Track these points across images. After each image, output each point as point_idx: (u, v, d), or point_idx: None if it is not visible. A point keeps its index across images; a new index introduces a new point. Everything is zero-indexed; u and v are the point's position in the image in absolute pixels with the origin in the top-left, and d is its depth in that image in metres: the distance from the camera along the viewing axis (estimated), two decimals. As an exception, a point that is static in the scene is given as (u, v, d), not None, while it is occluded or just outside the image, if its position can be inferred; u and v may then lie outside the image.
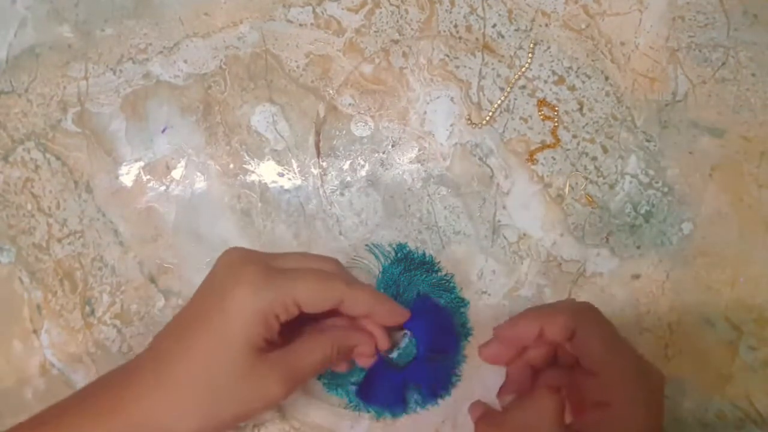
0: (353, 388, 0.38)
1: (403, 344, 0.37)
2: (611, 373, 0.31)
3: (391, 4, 0.42)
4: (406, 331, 0.37)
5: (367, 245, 0.40)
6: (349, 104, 0.42)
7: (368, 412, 0.38)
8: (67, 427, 0.31)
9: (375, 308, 0.34)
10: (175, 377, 0.31)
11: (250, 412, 0.32)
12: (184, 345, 0.31)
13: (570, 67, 0.42)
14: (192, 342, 0.31)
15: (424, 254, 0.40)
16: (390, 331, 0.36)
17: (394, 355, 0.37)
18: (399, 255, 0.40)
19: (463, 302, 0.39)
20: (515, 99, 0.42)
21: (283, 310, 0.32)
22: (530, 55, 0.42)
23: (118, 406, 0.31)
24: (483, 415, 0.36)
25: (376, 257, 0.40)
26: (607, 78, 0.42)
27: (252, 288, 0.31)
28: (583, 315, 0.33)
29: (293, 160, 0.41)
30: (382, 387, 0.37)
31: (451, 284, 0.40)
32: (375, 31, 0.42)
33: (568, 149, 0.41)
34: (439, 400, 0.39)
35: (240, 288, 0.31)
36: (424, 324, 0.37)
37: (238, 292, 0.31)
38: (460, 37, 0.42)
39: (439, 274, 0.40)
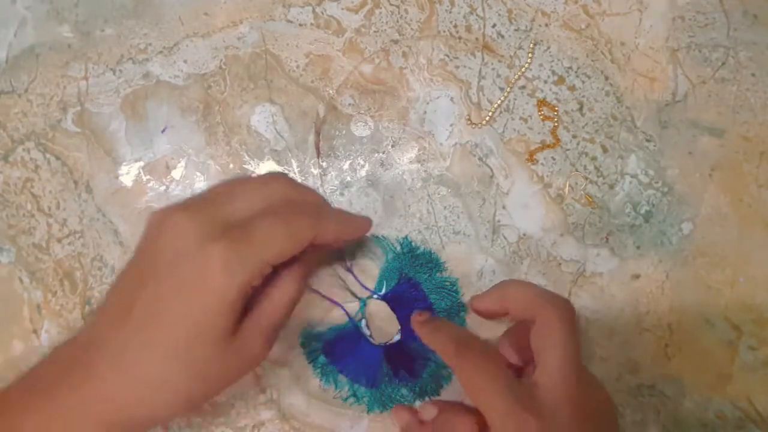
0: (320, 346, 0.39)
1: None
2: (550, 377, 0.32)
3: (391, 4, 0.42)
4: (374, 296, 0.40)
5: (374, 235, 0.40)
6: (349, 104, 0.42)
7: (358, 402, 0.39)
8: None
9: (343, 231, 0.34)
10: (148, 371, 0.29)
11: (237, 377, 0.31)
12: (151, 338, 0.28)
13: (570, 67, 0.42)
14: (163, 334, 0.28)
15: (430, 253, 0.40)
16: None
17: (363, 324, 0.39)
18: (404, 249, 0.40)
19: (463, 307, 0.39)
20: (515, 99, 0.42)
21: (259, 277, 0.30)
22: (530, 55, 0.42)
23: (85, 405, 0.29)
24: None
25: (382, 249, 0.40)
26: (607, 78, 0.42)
27: (226, 273, 0.28)
28: (550, 313, 0.33)
29: (293, 160, 0.41)
30: (356, 356, 0.39)
31: (455, 287, 0.40)
32: (375, 31, 0.42)
33: (568, 149, 0.41)
34: (429, 399, 0.39)
35: (213, 276, 0.28)
36: (407, 308, 0.39)
37: (212, 281, 0.28)
38: (459, 37, 0.42)
39: (444, 274, 0.40)
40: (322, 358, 0.39)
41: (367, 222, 0.36)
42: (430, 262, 0.40)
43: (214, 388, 0.31)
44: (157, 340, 0.29)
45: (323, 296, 0.39)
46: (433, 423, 0.35)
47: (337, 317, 0.40)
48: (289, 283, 0.32)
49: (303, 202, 0.33)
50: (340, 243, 0.36)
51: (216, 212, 0.30)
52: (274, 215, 0.30)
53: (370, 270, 0.40)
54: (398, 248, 0.40)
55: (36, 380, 0.31)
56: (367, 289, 0.40)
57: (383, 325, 0.39)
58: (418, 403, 0.39)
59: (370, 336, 0.39)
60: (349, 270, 0.40)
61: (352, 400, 0.39)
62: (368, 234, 0.40)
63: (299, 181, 0.41)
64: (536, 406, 0.30)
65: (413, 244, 0.40)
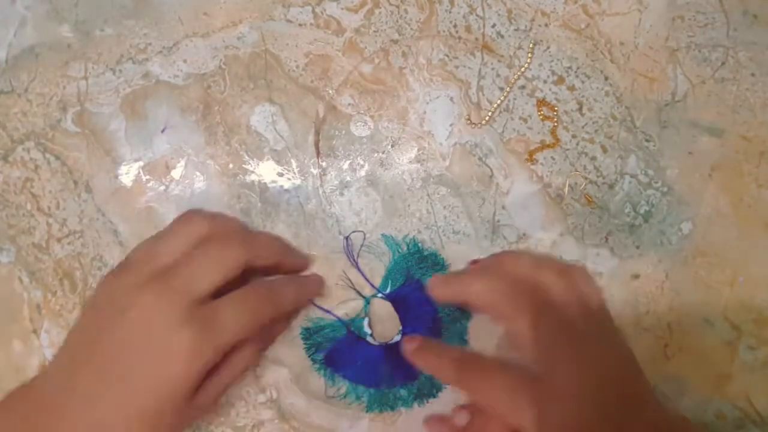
0: (322, 354, 0.39)
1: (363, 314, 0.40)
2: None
3: (390, 4, 0.42)
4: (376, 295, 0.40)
5: (382, 234, 0.40)
6: (349, 104, 0.42)
7: (358, 401, 0.39)
8: None
9: (277, 249, 0.37)
10: (114, 428, 0.31)
11: (188, 426, 0.37)
12: (121, 402, 0.31)
13: (569, 67, 0.42)
14: (132, 401, 0.31)
15: (436, 254, 0.40)
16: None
17: (367, 329, 0.39)
18: (411, 249, 0.40)
19: (465, 314, 0.39)
20: (515, 99, 0.42)
21: (220, 356, 0.32)
22: (530, 55, 0.42)
23: None
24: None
25: (389, 248, 0.40)
26: (606, 78, 0.42)
27: (192, 361, 0.31)
28: (515, 322, 0.33)
29: (293, 160, 0.41)
30: (355, 356, 0.39)
31: None
32: (374, 31, 0.42)
33: (568, 149, 0.41)
34: (426, 401, 0.39)
35: (180, 363, 0.30)
36: (410, 310, 0.38)
37: (179, 367, 0.30)
38: (459, 37, 0.42)
39: None
40: (321, 354, 0.39)
41: (305, 261, 0.39)
42: (437, 264, 0.40)
43: None
44: (126, 404, 0.31)
45: (316, 306, 0.39)
46: (466, 429, 0.35)
47: (339, 313, 0.40)
48: (249, 351, 0.35)
49: (225, 230, 0.35)
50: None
51: (171, 288, 0.32)
52: (237, 300, 0.33)
53: (375, 268, 0.40)
54: (405, 249, 0.40)
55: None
56: (373, 286, 0.40)
57: (385, 324, 0.39)
58: (415, 405, 0.39)
59: (371, 335, 0.39)
60: (355, 265, 0.40)
61: (351, 399, 0.39)
62: (370, 234, 0.40)
63: (299, 181, 0.41)
64: (547, 396, 0.31)
65: (420, 245, 0.40)
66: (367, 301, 0.40)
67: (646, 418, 0.32)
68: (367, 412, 0.39)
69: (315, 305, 0.39)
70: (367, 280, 0.40)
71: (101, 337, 0.32)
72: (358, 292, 0.40)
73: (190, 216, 0.35)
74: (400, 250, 0.40)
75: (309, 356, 0.39)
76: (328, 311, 0.39)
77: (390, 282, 0.40)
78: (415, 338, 0.36)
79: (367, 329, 0.39)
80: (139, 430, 0.31)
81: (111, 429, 0.31)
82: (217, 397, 0.34)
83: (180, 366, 0.31)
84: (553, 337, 0.32)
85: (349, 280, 0.40)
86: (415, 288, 0.39)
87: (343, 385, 0.39)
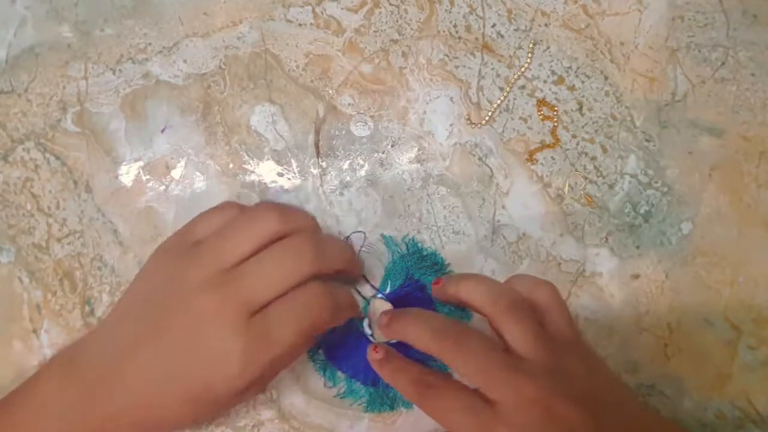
0: (321, 352, 0.39)
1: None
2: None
3: (390, 4, 0.42)
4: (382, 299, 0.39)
5: (382, 234, 0.40)
6: (349, 104, 0.42)
7: (356, 399, 0.39)
8: None
9: (344, 260, 0.37)
10: (161, 397, 0.32)
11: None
12: (175, 370, 0.32)
13: (569, 67, 0.42)
14: (183, 374, 0.32)
15: (435, 254, 0.40)
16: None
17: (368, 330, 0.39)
18: (410, 249, 0.40)
19: (466, 313, 0.39)
20: (515, 99, 0.42)
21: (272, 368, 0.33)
22: (530, 55, 0.42)
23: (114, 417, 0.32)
24: None
25: (388, 248, 0.40)
26: (606, 78, 0.42)
27: (245, 373, 0.31)
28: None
29: (293, 160, 0.41)
30: (355, 354, 0.38)
31: None
32: (374, 31, 0.42)
33: (568, 149, 0.41)
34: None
35: (232, 371, 0.31)
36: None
37: (231, 372, 0.31)
38: (459, 37, 0.42)
39: None
40: (321, 353, 0.39)
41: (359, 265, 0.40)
42: (436, 264, 0.40)
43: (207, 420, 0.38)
44: (181, 387, 0.32)
45: None
46: None
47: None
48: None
49: (298, 234, 0.34)
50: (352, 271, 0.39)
51: (236, 297, 0.32)
52: (296, 308, 0.32)
53: (374, 268, 0.40)
54: (404, 249, 0.40)
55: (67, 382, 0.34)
56: (372, 287, 0.40)
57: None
58: (415, 405, 0.39)
59: (371, 335, 0.39)
60: None
61: (350, 398, 0.39)
62: (370, 234, 0.40)
63: (299, 181, 0.41)
64: (499, 421, 0.31)
65: (420, 245, 0.40)
66: (367, 302, 0.40)
67: (624, 423, 0.32)
68: (366, 411, 0.39)
69: None
70: (367, 281, 0.40)
71: (169, 317, 0.32)
72: (358, 292, 0.40)
73: (261, 212, 0.34)
74: (399, 251, 0.40)
75: (309, 356, 0.39)
76: None
77: (390, 282, 0.40)
78: (379, 349, 0.35)
79: (367, 329, 0.39)
80: (185, 412, 0.33)
81: (160, 406, 0.32)
82: (264, 387, 0.36)
83: (232, 372, 0.31)
84: (485, 365, 0.32)
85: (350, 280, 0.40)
86: (415, 288, 0.39)
87: (343, 385, 0.39)
